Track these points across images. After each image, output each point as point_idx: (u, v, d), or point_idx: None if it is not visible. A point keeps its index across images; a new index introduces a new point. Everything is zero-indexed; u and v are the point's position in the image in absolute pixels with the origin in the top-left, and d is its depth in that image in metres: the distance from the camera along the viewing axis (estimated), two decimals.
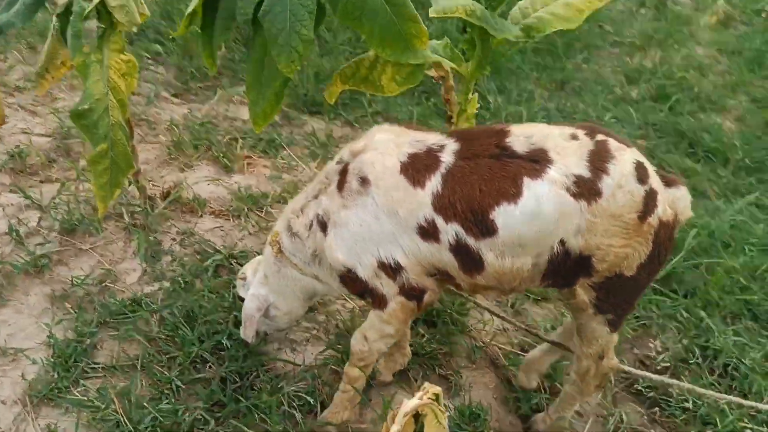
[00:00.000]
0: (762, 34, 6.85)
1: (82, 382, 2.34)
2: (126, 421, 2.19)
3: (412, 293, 2.08)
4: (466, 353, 2.75)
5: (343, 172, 2.09)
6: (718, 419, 2.61)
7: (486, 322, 2.91)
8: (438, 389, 1.63)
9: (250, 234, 3.20)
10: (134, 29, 2.53)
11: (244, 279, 2.48)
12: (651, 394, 2.76)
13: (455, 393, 2.59)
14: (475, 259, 1.96)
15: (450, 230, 1.94)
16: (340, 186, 2.08)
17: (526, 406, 2.59)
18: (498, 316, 2.81)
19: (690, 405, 2.68)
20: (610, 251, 1.91)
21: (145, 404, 2.26)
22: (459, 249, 1.96)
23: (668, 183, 2.00)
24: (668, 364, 2.85)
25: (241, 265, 2.95)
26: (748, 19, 7.52)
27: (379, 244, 2.03)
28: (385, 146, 2.05)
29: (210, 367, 2.48)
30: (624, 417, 2.65)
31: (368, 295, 2.14)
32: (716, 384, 2.81)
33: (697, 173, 4.31)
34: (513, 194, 1.88)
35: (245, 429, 2.25)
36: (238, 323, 2.50)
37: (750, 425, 2.59)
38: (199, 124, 3.88)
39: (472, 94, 2.41)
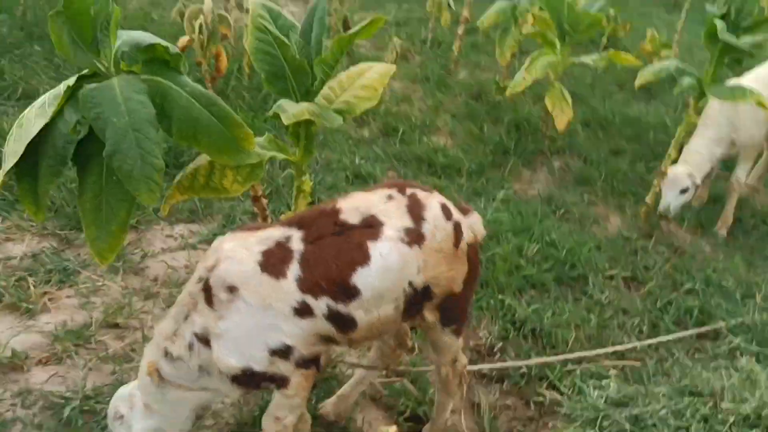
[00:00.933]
0: (435, 60, 8.22)
1: None
2: None
3: (308, 363, 2.29)
4: None
5: (206, 288, 2.20)
6: (548, 372, 3.29)
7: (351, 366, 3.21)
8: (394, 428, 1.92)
9: (91, 370, 3.03)
10: None
11: (121, 417, 2.40)
12: (494, 373, 3.34)
13: None
14: (348, 321, 2.25)
15: (321, 304, 2.20)
16: (209, 301, 2.19)
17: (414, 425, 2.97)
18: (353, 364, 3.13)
19: (524, 370, 3.33)
20: (442, 277, 2.37)
21: None
22: (333, 317, 2.22)
23: (464, 212, 2.53)
24: (500, 344, 3.48)
25: (103, 404, 2.82)
26: (418, 50, 8.93)
27: (265, 336, 2.19)
28: (236, 253, 2.22)
29: None
30: (483, 398, 3.19)
31: (269, 381, 2.27)
32: (534, 346, 3.52)
33: (443, 187, 5.14)
34: (363, 259, 2.22)
35: None
36: None
37: (573, 368, 3.32)
38: None
39: (305, 176, 2.70)
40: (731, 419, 2.42)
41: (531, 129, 6.32)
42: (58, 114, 2.19)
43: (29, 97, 4.92)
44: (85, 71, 2.25)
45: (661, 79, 5.17)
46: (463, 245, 2.42)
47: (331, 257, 2.19)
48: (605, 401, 2.82)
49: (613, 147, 6.36)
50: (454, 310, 2.50)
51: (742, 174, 5.02)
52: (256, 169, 2.49)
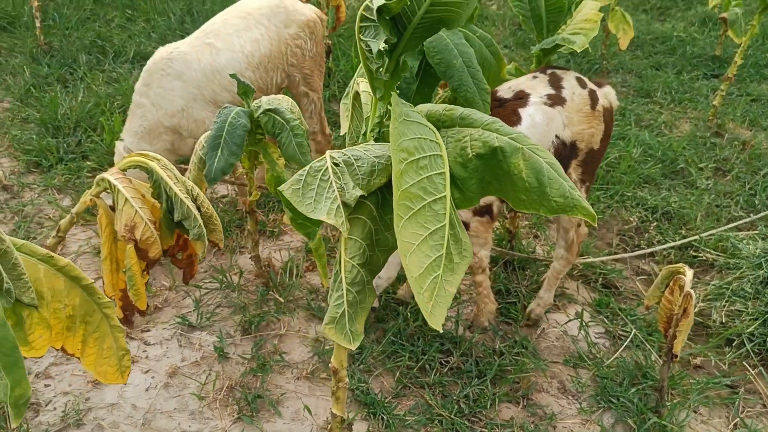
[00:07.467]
0: None
1: None
2: None
3: (482, 211, 3.03)
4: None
5: None
6: (694, 244, 4.17)
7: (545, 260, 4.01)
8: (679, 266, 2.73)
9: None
10: None
11: None
12: (646, 256, 4.20)
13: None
14: None
15: None
16: None
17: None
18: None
19: (672, 244, 4.20)
20: (584, 133, 3.04)
21: None
22: None
23: (599, 85, 3.18)
24: (653, 225, 4.33)
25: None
26: None
27: None
28: None
29: None
30: (646, 268, 4.04)
31: None
32: (671, 225, 4.38)
33: None
34: (517, 120, 2.96)
35: None
36: None
37: (710, 237, 4.20)
38: None
39: None
40: None
41: (582, 53, 7.07)
42: None
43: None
44: None
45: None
46: (599, 108, 3.08)
47: None
48: (760, 251, 3.70)
49: (653, 62, 7.19)
50: (590, 167, 3.14)
51: None
52: None
